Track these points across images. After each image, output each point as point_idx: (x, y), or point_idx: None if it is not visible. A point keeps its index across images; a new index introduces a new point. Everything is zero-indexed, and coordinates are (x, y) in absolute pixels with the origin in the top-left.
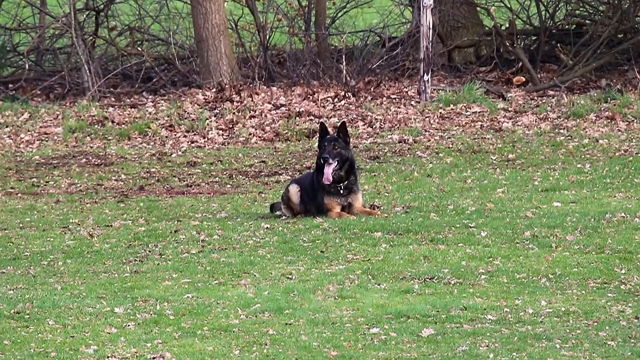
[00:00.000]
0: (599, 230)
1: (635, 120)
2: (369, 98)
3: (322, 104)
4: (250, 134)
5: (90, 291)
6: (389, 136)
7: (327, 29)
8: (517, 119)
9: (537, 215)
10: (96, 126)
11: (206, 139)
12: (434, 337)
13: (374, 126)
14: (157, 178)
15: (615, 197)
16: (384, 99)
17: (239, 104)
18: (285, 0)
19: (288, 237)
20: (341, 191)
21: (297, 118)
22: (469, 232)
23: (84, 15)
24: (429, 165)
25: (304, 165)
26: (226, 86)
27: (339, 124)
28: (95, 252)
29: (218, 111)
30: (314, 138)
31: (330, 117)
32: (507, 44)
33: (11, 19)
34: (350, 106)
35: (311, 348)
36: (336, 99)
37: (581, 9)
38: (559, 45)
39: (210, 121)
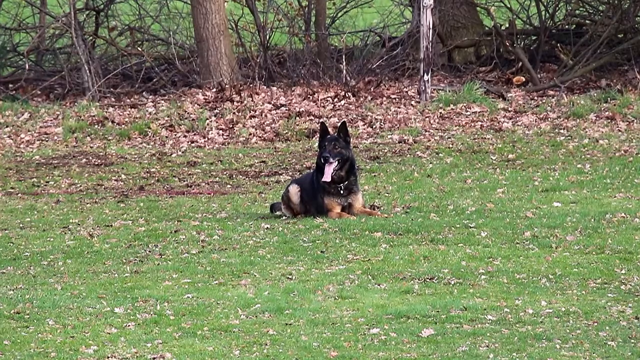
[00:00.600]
0: (599, 230)
1: (635, 120)
2: (369, 98)
3: (322, 104)
4: (250, 134)
5: (90, 291)
6: (389, 136)
7: (327, 29)
8: (517, 119)
9: (537, 216)
10: (96, 126)
11: (206, 139)
12: (434, 337)
13: (374, 126)
14: (157, 178)
15: (615, 197)
16: (384, 99)
17: (239, 104)
18: (285, 0)
19: (288, 237)
20: (341, 191)
21: (297, 118)
22: (469, 232)
23: (84, 15)
24: (429, 165)
25: (304, 165)
26: (226, 86)
27: (339, 124)
28: (95, 252)
29: (218, 111)
30: (314, 138)
31: (330, 117)
32: (507, 44)
33: (11, 19)
34: (350, 106)
35: (311, 348)
36: (336, 99)
37: (581, 9)
38: (559, 45)
39: (211, 121)
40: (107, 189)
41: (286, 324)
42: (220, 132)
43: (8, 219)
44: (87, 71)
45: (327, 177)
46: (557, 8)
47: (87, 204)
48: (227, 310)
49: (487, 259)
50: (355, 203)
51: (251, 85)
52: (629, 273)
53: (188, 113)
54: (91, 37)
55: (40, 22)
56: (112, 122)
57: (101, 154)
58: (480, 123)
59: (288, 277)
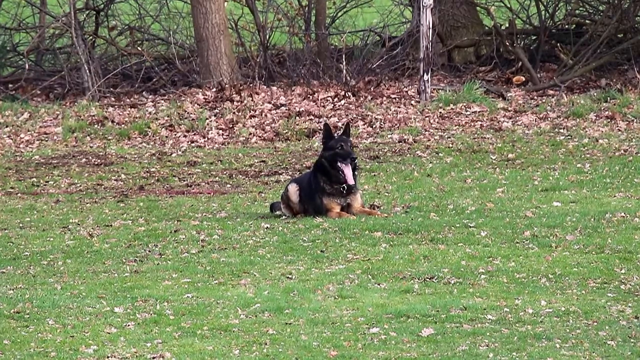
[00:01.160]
0: (599, 230)
1: (635, 120)
2: (369, 98)
3: (322, 104)
4: (250, 133)
5: (90, 291)
6: (389, 136)
7: (327, 28)
8: (517, 118)
9: (537, 215)
10: (96, 126)
11: (206, 138)
12: (434, 337)
13: (374, 126)
14: (157, 178)
15: (615, 197)
16: (384, 98)
17: (239, 103)
18: (285, 0)
19: (288, 236)
20: (344, 192)
21: (297, 118)
22: (469, 231)
23: (84, 15)
24: (429, 165)
25: (304, 165)
26: (226, 86)
27: (344, 125)
28: (95, 252)
29: (218, 111)
30: (314, 138)
31: (330, 116)
32: (507, 43)
33: (11, 19)
34: (350, 106)
35: (311, 348)
36: (336, 99)
37: (581, 8)
38: (558, 45)
39: (210, 121)
40: (107, 189)
41: (286, 324)
42: (220, 131)
43: (8, 218)
44: (87, 71)
45: (351, 179)
46: (557, 8)
47: (87, 203)
48: (227, 309)
49: (487, 259)
50: (355, 203)
51: (251, 85)
52: (629, 273)
53: (188, 113)
54: (91, 37)
55: (40, 22)
56: (112, 121)
57: (101, 153)
58: (480, 123)
59: (288, 277)
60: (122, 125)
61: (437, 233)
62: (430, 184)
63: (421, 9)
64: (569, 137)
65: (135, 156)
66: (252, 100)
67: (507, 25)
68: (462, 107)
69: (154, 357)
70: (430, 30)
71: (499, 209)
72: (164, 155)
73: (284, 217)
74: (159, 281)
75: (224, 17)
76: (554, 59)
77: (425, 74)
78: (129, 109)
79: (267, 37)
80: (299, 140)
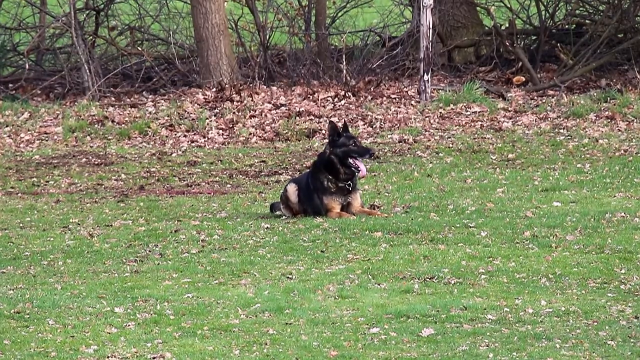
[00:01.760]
0: (599, 230)
1: (635, 120)
2: (369, 98)
3: (322, 104)
4: (250, 133)
5: (90, 291)
6: (389, 136)
7: (327, 28)
8: (517, 118)
9: (537, 215)
10: (96, 126)
11: (206, 138)
12: (434, 337)
13: (374, 126)
14: (157, 178)
15: (615, 197)
16: (384, 98)
17: (239, 103)
18: (285, 0)
19: (288, 237)
20: (350, 189)
21: (297, 118)
22: (469, 232)
23: (84, 15)
24: (429, 165)
25: (304, 165)
26: (226, 86)
27: (343, 123)
28: (95, 252)
29: (218, 111)
30: (314, 138)
31: (330, 116)
32: (507, 43)
33: (11, 19)
34: (350, 106)
35: (311, 348)
36: (336, 99)
37: (581, 8)
38: (559, 45)
39: (210, 121)
40: (107, 189)
41: (286, 324)
42: (220, 131)
43: (8, 218)
44: (87, 71)
45: (364, 172)
46: (557, 8)
47: (87, 203)
48: (227, 309)
49: (487, 259)
50: (354, 202)
51: (251, 85)
52: (629, 272)
53: (188, 113)
54: (91, 37)
55: (40, 21)
56: (112, 121)
57: (101, 153)
58: (480, 123)
59: (288, 277)
60: (122, 125)
61: (437, 233)
62: (430, 184)
63: (421, 9)
64: (569, 137)
65: (136, 156)
66: (252, 100)
67: (507, 25)
68: (462, 107)
69: (154, 357)
70: (430, 30)
71: (499, 209)
72: (164, 155)
73: (284, 217)
74: (159, 281)
75: (224, 17)
76: (554, 59)
77: (425, 74)
78: (129, 108)
79: (267, 37)
80: (299, 140)
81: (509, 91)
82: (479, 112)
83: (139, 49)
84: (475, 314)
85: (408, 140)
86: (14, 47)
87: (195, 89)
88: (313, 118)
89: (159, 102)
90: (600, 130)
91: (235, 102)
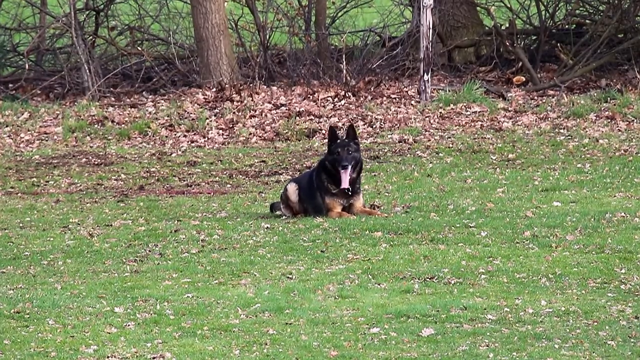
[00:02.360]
0: (599, 230)
1: (635, 120)
2: (369, 98)
3: (322, 104)
4: (250, 133)
5: (90, 291)
6: (389, 136)
7: (327, 28)
8: (517, 118)
9: (537, 215)
10: (96, 126)
11: (206, 138)
12: (434, 337)
13: (374, 126)
14: (157, 178)
15: (615, 197)
16: (384, 98)
17: (239, 103)
18: (285, 0)
19: (288, 236)
20: (349, 193)
21: (297, 118)
22: (469, 232)
23: (84, 15)
24: (429, 165)
25: (304, 165)
26: (226, 86)
27: (347, 127)
28: (95, 252)
29: (218, 111)
30: (314, 138)
31: (330, 117)
32: (507, 43)
33: (11, 19)
34: (350, 106)
35: (311, 348)
36: (336, 99)
37: (581, 8)
38: (559, 45)
39: (210, 121)
40: (107, 189)
41: (286, 324)
42: (220, 131)
43: (8, 218)
44: (87, 71)
45: (346, 184)
46: (557, 8)
47: (87, 203)
48: (227, 309)
49: (487, 259)
50: (356, 203)
51: (251, 85)
52: (629, 272)
53: (188, 113)
54: (91, 37)
55: (40, 22)
56: (112, 121)
57: (101, 153)
58: (480, 123)
59: (288, 277)
60: (122, 125)
61: (437, 233)
62: (430, 184)
63: (421, 9)
64: (569, 137)
65: (135, 156)
66: (252, 100)
67: (507, 25)
68: (462, 107)
69: (154, 357)
70: (431, 30)
71: (499, 209)
72: (164, 155)
73: (284, 217)
74: (159, 281)
75: (224, 17)
76: (554, 59)
77: (425, 74)
78: (129, 108)
79: (267, 37)
80: (299, 140)
81: (509, 91)
82: (479, 112)
83: (139, 49)
84: (475, 314)
85: (408, 140)
86: (14, 48)
87: (195, 89)
88: (313, 118)
89: (159, 102)
90: (600, 130)
91: (235, 102)
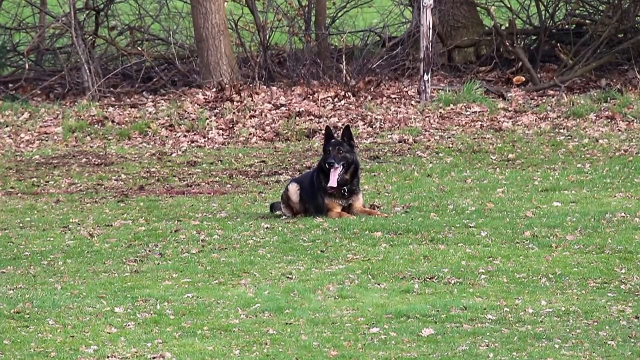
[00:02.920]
0: (599, 230)
1: (635, 120)
2: (369, 98)
3: (322, 104)
4: (250, 133)
5: (90, 291)
6: (389, 136)
7: (327, 28)
8: (517, 118)
9: (537, 215)
10: (96, 126)
11: (206, 138)
12: (434, 336)
13: (374, 126)
14: (157, 178)
15: (615, 197)
16: (384, 98)
17: (239, 103)
18: (285, 0)
19: (288, 236)
20: (345, 194)
21: (297, 118)
22: (469, 232)
23: (84, 15)
24: (429, 165)
25: (304, 165)
26: (226, 86)
27: (343, 128)
28: (95, 252)
29: (218, 111)
30: (314, 138)
31: (330, 117)
32: (507, 43)
33: (11, 19)
34: (350, 106)
35: (311, 348)
36: (336, 99)
37: (581, 8)
38: (559, 45)
39: (210, 121)
40: (107, 189)
41: (286, 324)
42: (220, 131)
43: (8, 218)
44: (87, 71)
45: (333, 183)
46: (557, 8)
47: (87, 203)
48: (227, 309)
49: (487, 259)
50: (356, 203)
51: (251, 85)
52: (629, 272)
53: (188, 113)
54: (91, 37)
55: (40, 21)
56: (112, 121)
57: (101, 153)
58: (480, 123)
59: (288, 277)
60: (122, 125)
61: (437, 233)
62: (430, 184)
63: (421, 9)
64: (569, 137)
65: (136, 156)
66: (252, 100)
67: (507, 25)
68: (462, 107)
69: (154, 357)
70: (430, 30)
71: (499, 209)
72: (164, 155)
73: (284, 217)
74: (159, 281)
75: (224, 17)
76: (554, 59)
77: (425, 74)
78: (129, 109)
79: (267, 37)
80: (299, 141)
81: (509, 91)
82: (479, 112)
83: (139, 49)
84: (475, 314)
85: (408, 140)
86: (14, 47)
87: (195, 89)
88: (313, 118)
89: (159, 102)
90: (600, 130)
91: (235, 102)
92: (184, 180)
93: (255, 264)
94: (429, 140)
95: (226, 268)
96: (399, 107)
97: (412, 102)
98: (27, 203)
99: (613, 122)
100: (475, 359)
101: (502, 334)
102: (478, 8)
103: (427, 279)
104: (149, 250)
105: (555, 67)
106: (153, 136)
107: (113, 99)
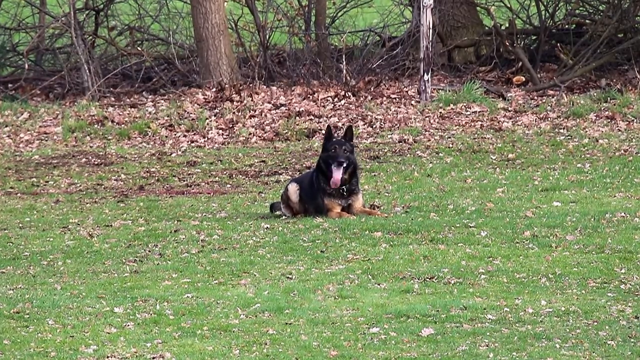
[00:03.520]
0: (599, 230)
1: (635, 120)
2: (369, 98)
3: (322, 104)
4: (250, 133)
5: (90, 291)
6: (389, 136)
7: (327, 28)
8: (517, 118)
9: (537, 215)
10: (96, 126)
11: (206, 138)
12: (434, 336)
13: (374, 126)
14: (157, 178)
15: (615, 197)
16: (384, 98)
17: (239, 103)
18: (285, 0)
19: (288, 237)
20: (344, 194)
21: (297, 118)
22: (469, 232)
23: (84, 15)
24: (429, 165)
25: (304, 165)
26: (226, 86)
27: (346, 128)
28: (95, 252)
29: (218, 111)
30: (314, 138)
31: (330, 117)
32: (507, 43)
33: (11, 19)
34: (350, 106)
35: (311, 348)
36: (336, 99)
37: (581, 8)
38: (559, 45)
39: (210, 121)
40: (107, 189)
41: (286, 324)
42: (220, 131)
43: (8, 218)
44: (87, 71)
45: (337, 182)
46: (557, 8)
47: (87, 203)
48: (227, 309)
49: (487, 259)
50: (356, 203)
51: (251, 85)
52: (629, 272)
53: (188, 113)
54: (91, 37)
55: (40, 22)
56: (112, 121)
57: (101, 153)
58: (480, 123)
59: (288, 277)
60: (122, 125)
61: (437, 233)
62: (430, 184)
63: (421, 9)
64: (569, 137)
65: (135, 156)
66: (252, 100)
67: (507, 25)
68: (462, 107)
69: (154, 357)
70: (430, 30)
71: (499, 209)
72: (164, 155)
73: (284, 217)
74: (159, 281)
75: (224, 17)
76: (554, 59)
77: (425, 74)
78: (129, 109)
79: (267, 37)
80: (299, 140)
81: (509, 91)
82: (479, 112)
83: (139, 49)
84: (475, 314)
85: (408, 140)
86: (14, 47)
87: (195, 89)
88: (313, 118)
89: (158, 102)
90: (600, 130)
91: (235, 102)
92: (184, 180)
93: (255, 264)
94: (429, 140)
95: (226, 268)
96: (399, 107)
97: (412, 102)
98: (27, 203)
99: (613, 122)
100: (475, 359)
101: (502, 334)
102: (478, 8)
103: (427, 279)
104: (149, 251)
105: (555, 67)
106: (153, 136)
107: (113, 99)
